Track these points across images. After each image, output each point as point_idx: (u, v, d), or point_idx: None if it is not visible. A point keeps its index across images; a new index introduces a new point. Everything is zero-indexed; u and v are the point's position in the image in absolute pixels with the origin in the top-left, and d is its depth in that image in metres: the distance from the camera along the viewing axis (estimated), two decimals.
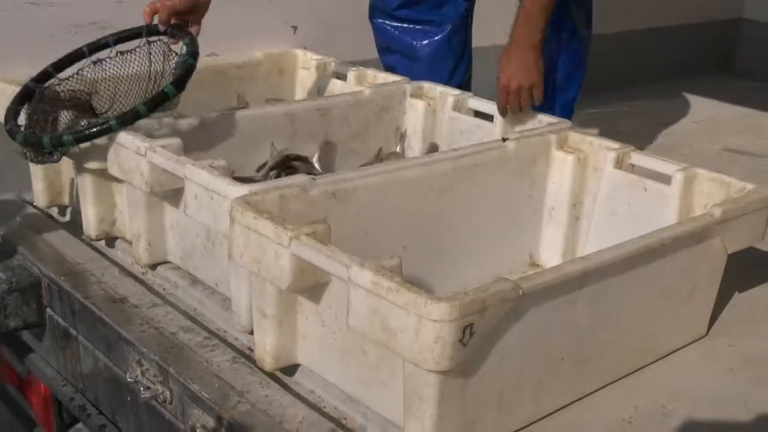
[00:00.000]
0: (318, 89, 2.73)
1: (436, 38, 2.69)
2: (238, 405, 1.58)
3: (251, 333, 1.69)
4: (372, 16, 2.76)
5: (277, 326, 1.60)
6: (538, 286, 1.40)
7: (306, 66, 2.76)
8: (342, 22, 2.93)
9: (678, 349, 1.82)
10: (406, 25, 2.71)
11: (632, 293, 1.63)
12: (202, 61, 2.69)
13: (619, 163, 2.05)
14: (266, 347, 1.62)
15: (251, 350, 1.71)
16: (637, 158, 2.05)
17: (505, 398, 1.46)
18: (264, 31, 2.75)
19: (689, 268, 1.75)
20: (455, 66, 2.73)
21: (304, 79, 2.77)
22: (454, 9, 2.70)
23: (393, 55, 2.76)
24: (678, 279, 1.74)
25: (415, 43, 2.71)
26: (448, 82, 2.60)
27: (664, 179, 1.98)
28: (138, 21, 2.56)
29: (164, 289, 2.00)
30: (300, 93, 2.77)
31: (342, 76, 2.68)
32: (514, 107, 2.24)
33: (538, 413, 1.55)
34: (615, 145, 2.08)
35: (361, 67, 2.67)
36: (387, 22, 2.73)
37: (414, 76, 2.56)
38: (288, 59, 2.76)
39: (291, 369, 1.67)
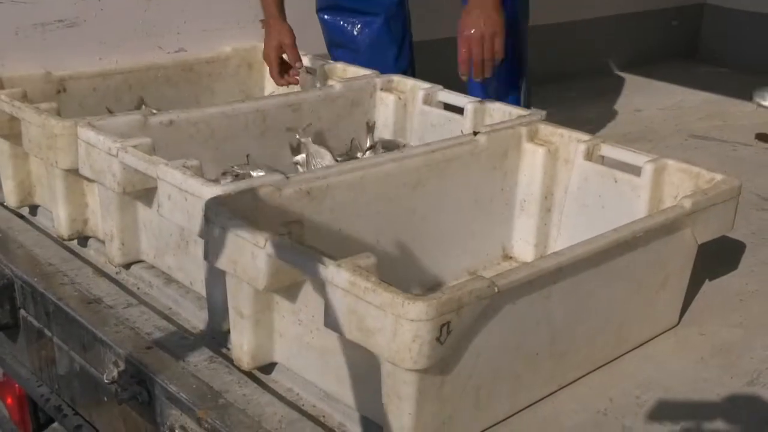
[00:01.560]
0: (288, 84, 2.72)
1: (375, 26, 2.76)
2: (216, 405, 1.58)
3: (228, 332, 1.69)
4: (318, 9, 2.82)
5: (254, 326, 1.60)
6: (513, 283, 1.42)
7: None
8: (311, 16, 2.92)
9: (651, 339, 1.84)
10: (346, 17, 2.78)
11: (605, 286, 1.65)
12: (171, 57, 2.71)
13: (590, 155, 2.07)
14: (243, 346, 1.62)
15: (228, 349, 1.71)
16: (607, 150, 2.07)
17: (483, 394, 1.48)
18: (232, 26, 2.74)
19: (661, 259, 1.77)
20: (397, 54, 2.80)
21: None
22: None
23: (338, 49, 2.82)
24: (650, 270, 1.76)
25: (355, 33, 2.78)
26: (391, 70, 2.64)
27: (634, 170, 2.00)
28: (105, 18, 2.56)
29: (138, 288, 1.99)
30: (270, 88, 2.76)
31: (311, 71, 2.67)
32: (477, 58, 2.23)
33: (515, 407, 1.57)
34: (585, 137, 2.09)
35: (331, 61, 2.68)
36: (327, 15, 2.80)
37: (358, 65, 2.63)
38: (257, 54, 2.75)
39: (268, 367, 1.67)
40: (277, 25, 2.45)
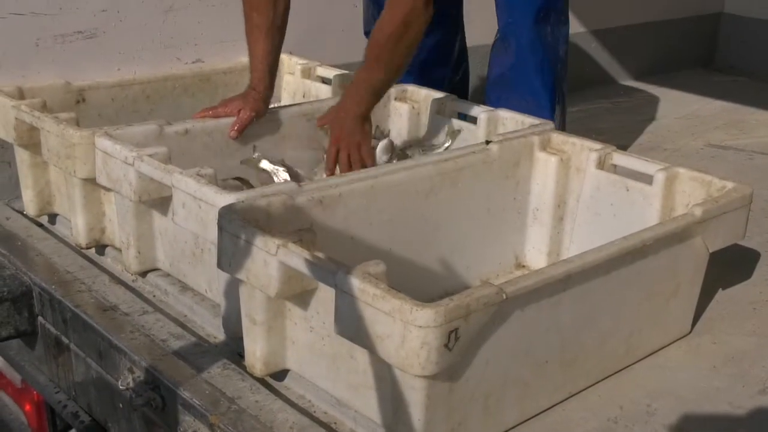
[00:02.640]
0: (303, 93, 2.75)
1: (426, 46, 2.68)
2: (229, 411, 1.60)
3: (241, 339, 1.71)
4: (366, 32, 2.79)
5: (267, 332, 1.62)
6: (521, 290, 1.43)
7: (291, 71, 2.78)
8: (326, 26, 2.96)
9: (662, 348, 1.85)
10: None
11: (616, 294, 1.66)
12: (188, 68, 2.74)
13: (602, 164, 2.07)
14: (256, 353, 1.64)
15: (241, 356, 1.73)
16: (619, 158, 2.08)
17: (491, 401, 1.49)
18: None
19: (672, 267, 1.78)
20: (451, 74, 2.82)
21: (290, 83, 2.79)
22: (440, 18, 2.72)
23: None
24: (661, 278, 1.77)
25: None
26: (444, 88, 2.61)
27: (646, 179, 2.00)
28: (124, 30, 2.59)
29: (154, 296, 2.01)
30: (285, 98, 2.79)
31: (327, 81, 2.70)
32: (343, 170, 2.19)
33: (524, 415, 1.58)
34: (597, 145, 2.10)
35: (346, 71, 2.70)
36: None
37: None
38: None
39: (281, 374, 1.69)
40: (260, 99, 2.23)
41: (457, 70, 2.90)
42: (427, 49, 2.70)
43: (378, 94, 2.19)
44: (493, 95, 2.64)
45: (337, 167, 2.19)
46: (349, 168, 2.15)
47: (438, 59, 2.80)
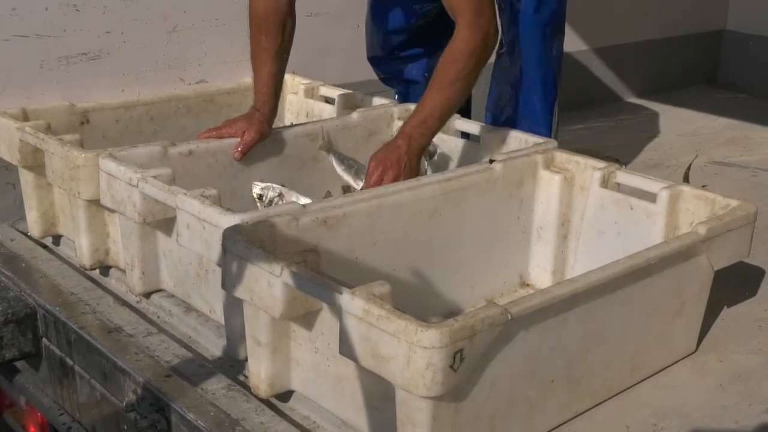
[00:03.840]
0: (306, 113, 2.75)
1: (430, 67, 2.71)
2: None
3: (246, 360, 1.71)
4: (369, 57, 2.84)
5: (271, 353, 1.61)
6: (526, 310, 1.42)
7: (295, 90, 2.79)
8: (330, 46, 2.97)
9: (668, 367, 1.84)
10: (400, 60, 2.80)
11: (621, 313, 1.65)
12: (192, 89, 2.75)
13: (605, 182, 2.07)
14: (261, 374, 1.64)
15: (246, 377, 1.73)
16: (623, 177, 2.08)
17: (497, 421, 1.48)
18: None
19: (676, 285, 1.77)
20: None
21: (293, 103, 2.80)
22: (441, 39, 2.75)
23: (398, 85, 2.87)
24: (666, 297, 1.76)
25: (412, 70, 2.80)
26: None
27: (650, 197, 2.00)
28: (128, 51, 2.61)
29: (159, 317, 2.01)
30: (289, 117, 2.79)
31: (330, 100, 2.71)
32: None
33: None
34: (601, 164, 2.10)
35: (350, 91, 2.70)
36: (378, 67, 2.85)
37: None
38: None
39: (285, 395, 1.69)
40: (264, 121, 2.21)
41: None
42: (430, 69, 2.73)
43: (445, 119, 2.14)
44: (497, 111, 2.66)
45: None
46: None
47: None
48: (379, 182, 2.01)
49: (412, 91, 2.80)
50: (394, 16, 2.74)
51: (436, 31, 2.71)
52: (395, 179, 2.00)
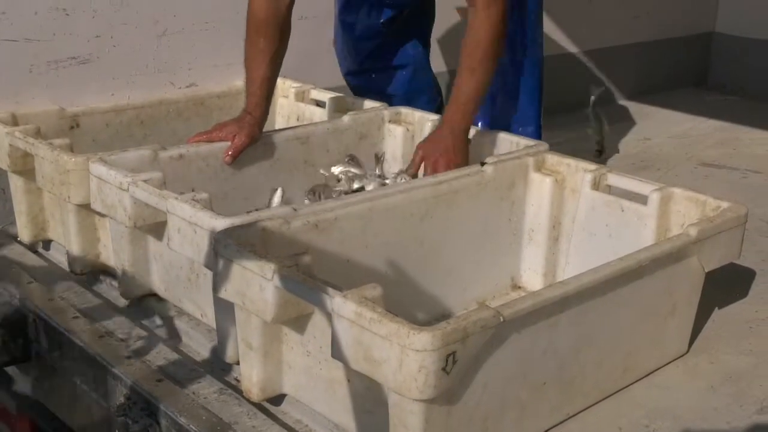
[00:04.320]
0: (297, 117, 2.75)
1: (404, 78, 2.86)
2: None
3: (237, 364, 1.71)
4: (344, 73, 2.92)
5: (263, 357, 1.61)
6: (518, 312, 1.42)
7: (285, 94, 2.79)
8: (320, 49, 2.96)
9: (660, 368, 1.84)
10: (374, 74, 2.87)
11: (612, 315, 1.66)
12: (182, 92, 2.74)
13: (596, 185, 2.08)
14: (252, 378, 1.63)
15: (238, 381, 1.73)
16: (614, 179, 2.08)
17: (490, 424, 1.48)
18: (243, 60, 2.78)
19: (668, 287, 1.78)
20: (427, 100, 2.87)
21: (284, 107, 2.79)
22: (413, 51, 2.87)
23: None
24: (657, 299, 1.77)
25: (385, 87, 2.86)
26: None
27: (641, 199, 2.01)
28: (118, 55, 2.60)
29: (151, 321, 2.01)
30: (280, 121, 2.79)
31: (321, 103, 2.70)
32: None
33: None
34: (592, 166, 2.11)
35: (340, 94, 2.70)
36: (354, 78, 2.90)
37: None
38: None
39: (278, 399, 1.68)
40: (255, 124, 2.20)
41: (438, 95, 2.97)
42: (407, 81, 2.85)
43: (480, 100, 2.19)
44: (486, 113, 2.69)
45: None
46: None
47: (420, 89, 2.89)
48: (433, 173, 2.08)
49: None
50: (362, 20, 2.78)
51: (407, 38, 2.82)
52: (448, 167, 2.09)
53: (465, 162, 2.14)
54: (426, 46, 2.94)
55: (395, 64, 2.85)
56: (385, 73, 2.86)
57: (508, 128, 2.59)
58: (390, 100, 2.70)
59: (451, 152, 2.12)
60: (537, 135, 2.72)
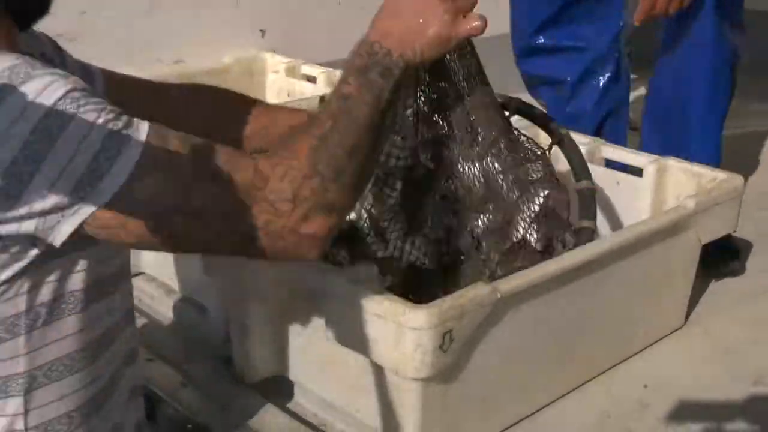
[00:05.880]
0: (288, 92, 2.72)
1: (580, 64, 2.35)
2: (217, 416, 1.58)
3: (230, 343, 1.69)
4: (518, 54, 2.43)
5: (256, 338, 1.59)
6: (515, 288, 1.41)
7: (275, 69, 2.76)
8: (310, 23, 2.93)
9: (657, 341, 1.83)
10: (552, 56, 2.37)
11: (609, 289, 1.64)
12: (170, 69, 2.70)
13: (591, 157, 2.05)
14: (246, 358, 1.62)
15: (230, 360, 1.71)
16: (609, 151, 2.06)
17: (488, 401, 1.47)
18: (232, 36, 2.74)
19: (664, 260, 1.76)
20: (601, 95, 2.36)
21: (275, 82, 2.76)
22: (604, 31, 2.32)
23: (540, 87, 2.45)
24: (653, 272, 1.75)
25: (559, 70, 2.38)
26: (591, 112, 2.33)
27: (637, 171, 1.99)
28: (104, 32, 2.55)
29: (140, 300, 1.98)
30: (270, 96, 2.76)
31: (312, 79, 2.67)
32: (662, 8, 1.93)
33: (520, 414, 1.56)
34: (585, 139, 2.08)
35: (331, 69, 2.67)
36: (528, 58, 2.41)
37: (561, 105, 2.35)
38: (257, 63, 2.76)
39: (271, 378, 1.66)
40: None
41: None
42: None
43: None
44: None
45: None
46: (666, 11, 1.92)
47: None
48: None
49: (562, 96, 2.38)
50: None
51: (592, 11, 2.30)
52: None
53: None
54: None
55: (573, 45, 2.35)
56: (558, 53, 2.36)
57: None
58: (562, 88, 2.36)
59: None
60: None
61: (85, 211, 0.98)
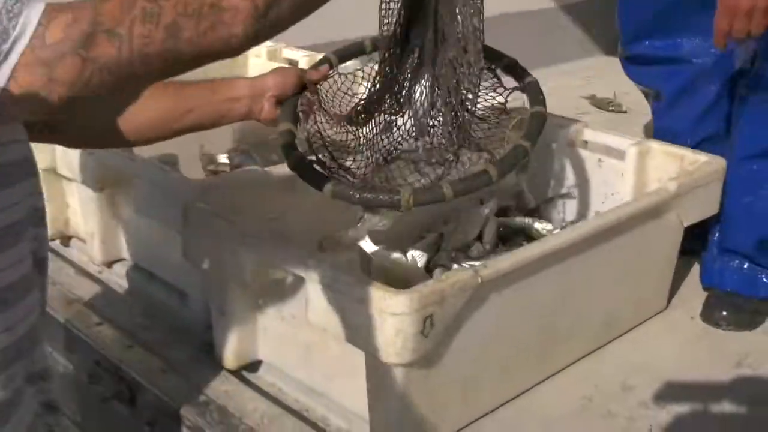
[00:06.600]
0: None
1: (681, 77, 2.15)
2: (198, 402, 1.57)
3: (210, 329, 1.67)
4: (624, 57, 2.30)
5: (236, 323, 1.58)
6: (497, 272, 1.40)
7: (257, 53, 2.72)
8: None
9: (639, 324, 1.83)
10: (654, 65, 2.20)
11: (591, 273, 1.63)
12: None
13: (573, 140, 2.04)
14: (225, 344, 1.61)
15: (210, 346, 1.69)
16: (591, 134, 2.05)
17: (469, 386, 1.46)
18: None
19: (646, 243, 1.75)
20: (700, 115, 2.13)
21: (256, 66, 2.73)
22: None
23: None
24: (636, 255, 1.75)
25: (661, 81, 2.20)
26: (692, 130, 2.13)
27: (618, 154, 1.97)
28: None
29: (120, 287, 1.97)
30: None
31: (294, 62, 2.65)
32: (739, 33, 1.74)
33: (501, 398, 1.56)
34: (567, 121, 2.07)
35: (313, 52, 2.65)
36: (634, 65, 2.26)
37: (660, 117, 2.22)
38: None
39: (251, 364, 1.65)
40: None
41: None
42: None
43: None
44: None
45: None
46: (748, 32, 1.72)
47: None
48: (745, 18, 1.68)
49: (661, 108, 2.20)
50: None
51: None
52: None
53: None
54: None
55: (669, 57, 2.15)
56: (661, 65, 2.18)
57: None
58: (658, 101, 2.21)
59: None
60: None
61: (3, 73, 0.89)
